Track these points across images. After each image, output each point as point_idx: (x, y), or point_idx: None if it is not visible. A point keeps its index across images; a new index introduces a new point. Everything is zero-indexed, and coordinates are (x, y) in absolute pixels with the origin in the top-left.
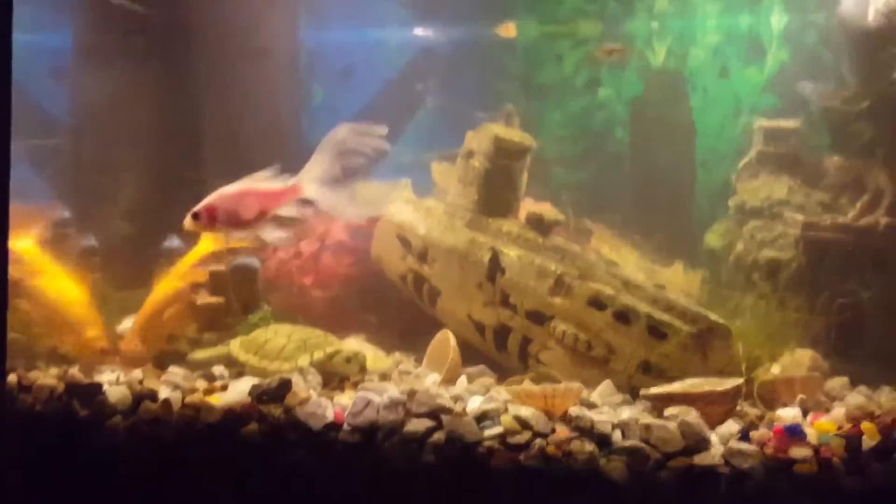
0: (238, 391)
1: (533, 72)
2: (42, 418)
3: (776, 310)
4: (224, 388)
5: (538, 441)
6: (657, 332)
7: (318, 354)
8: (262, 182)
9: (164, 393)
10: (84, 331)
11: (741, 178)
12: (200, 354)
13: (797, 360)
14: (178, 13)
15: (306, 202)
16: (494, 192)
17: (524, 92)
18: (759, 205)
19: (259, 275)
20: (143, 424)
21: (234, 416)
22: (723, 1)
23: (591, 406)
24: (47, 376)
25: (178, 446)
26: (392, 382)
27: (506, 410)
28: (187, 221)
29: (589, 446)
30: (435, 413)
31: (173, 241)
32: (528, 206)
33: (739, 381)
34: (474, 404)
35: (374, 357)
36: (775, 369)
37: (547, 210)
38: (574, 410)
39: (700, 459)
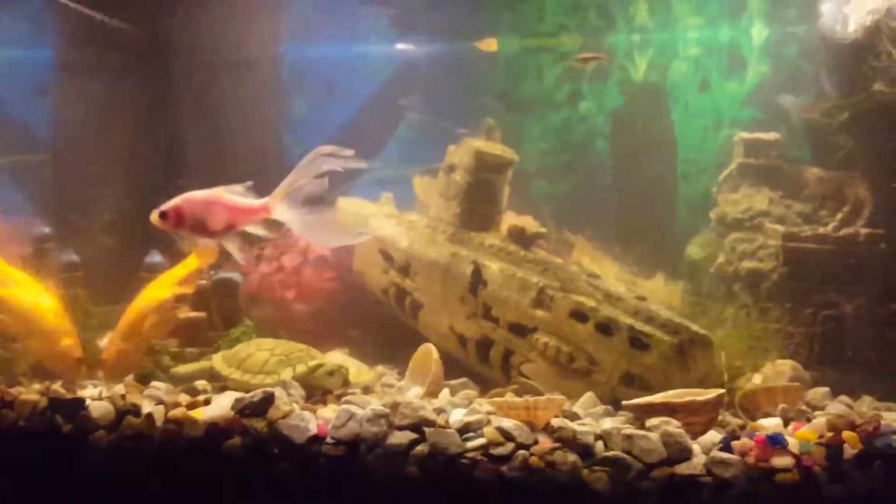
0: (221, 405)
1: (514, 85)
2: (25, 434)
3: (757, 320)
4: (207, 402)
5: (521, 452)
6: (639, 343)
7: (301, 368)
8: (233, 195)
9: (147, 407)
10: (59, 340)
11: (722, 190)
12: (183, 369)
13: (778, 371)
14: (160, 28)
15: (276, 223)
16: (476, 206)
17: (506, 105)
18: (740, 216)
19: (241, 289)
20: (127, 439)
21: (217, 430)
22: (703, 14)
23: (574, 417)
24: (30, 391)
25: (161, 461)
26: (375, 395)
27: (488, 422)
28: (153, 217)
29: (571, 457)
30: (418, 425)
31: (155, 257)
32: (509, 219)
33: (721, 391)
34: (457, 416)
35: (357, 370)
36: (756, 379)
37: (528, 223)
38: (556, 421)
39: (682, 469)
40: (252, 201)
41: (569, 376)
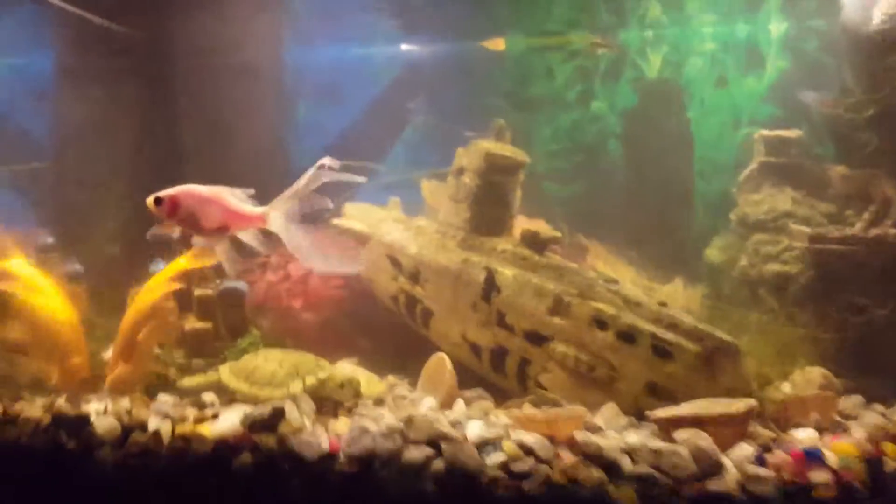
0: (229, 420)
1: (523, 85)
2: (28, 451)
3: (784, 325)
4: (215, 416)
5: (542, 468)
6: (662, 351)
7: (311, 380)
8: (234, 198)
9: (153, 423)
10: (69, 357)
11: (743, 189)
12: (189, 381)
13: (807, 378)
14: (161, 32)
15: (273, 239)
16: (487, 210)
17: (514, 106)
18: (763, 217)
19: (247, 298)
20: (133, 456)
21: (226, 447)
22: (719, 8)
23: (596, 430)
24: (33, 408)
25: (169, 478)
26: (387, 407)
27: (507, 436)
28: (149, 201)
29: (596, 473)
30: (434, 440)
31: (159, 265)
32: (521, 223)
33: (752, 402)
34: (473, 430)
35: (368, 381)
36: (785, 388)
37: (542, 227)
38: (580, 435)
39: (714, 485)
40: (250, 208)
41: (589, 386)
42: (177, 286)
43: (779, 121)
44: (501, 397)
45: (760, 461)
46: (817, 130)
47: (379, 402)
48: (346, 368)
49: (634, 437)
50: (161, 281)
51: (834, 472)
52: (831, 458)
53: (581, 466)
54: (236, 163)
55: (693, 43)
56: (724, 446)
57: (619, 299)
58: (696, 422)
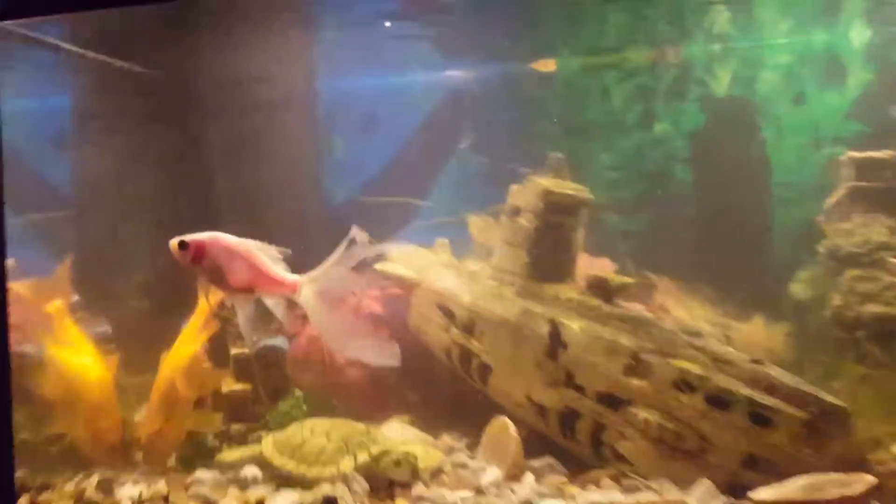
0: None
1: (577, 109)
2: None
3: (891, 375)
4: (259, 502)
5: None
6: (761, 418)
7: (363, 456)
8: (265, 256)
9: None
10: (97, 420)
11: (830, 218)
12: (230, 455)
13: None
14: (185, 71)
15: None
16: (547, 254)
17: (568, 132)
18: (857, 250)
19: (287, 355)
20: None
21: None
22: (793, 17)
23: None
24: (62, 497)
25: None
26: (446, 478)
27: None
28: (172, 244)
29: None
30: None
31: None
32: (584, 262)
33: (871, 479)
34: None
35: (424, 452)
36: None
37: (610, 273)
38: None
39: None
40: (283, 273)
41: (676, 457)
42: (210, 331)
43: (866, 140)
44: (572, 465)
45: None
46: None
47: (437, 472)
48: (396, 428)
49: None
50: (192, 332)
51: None
52: None
53: None
54: (270, 209)
55: (765, 56)
56: None
57: (707, 356)
58: None
